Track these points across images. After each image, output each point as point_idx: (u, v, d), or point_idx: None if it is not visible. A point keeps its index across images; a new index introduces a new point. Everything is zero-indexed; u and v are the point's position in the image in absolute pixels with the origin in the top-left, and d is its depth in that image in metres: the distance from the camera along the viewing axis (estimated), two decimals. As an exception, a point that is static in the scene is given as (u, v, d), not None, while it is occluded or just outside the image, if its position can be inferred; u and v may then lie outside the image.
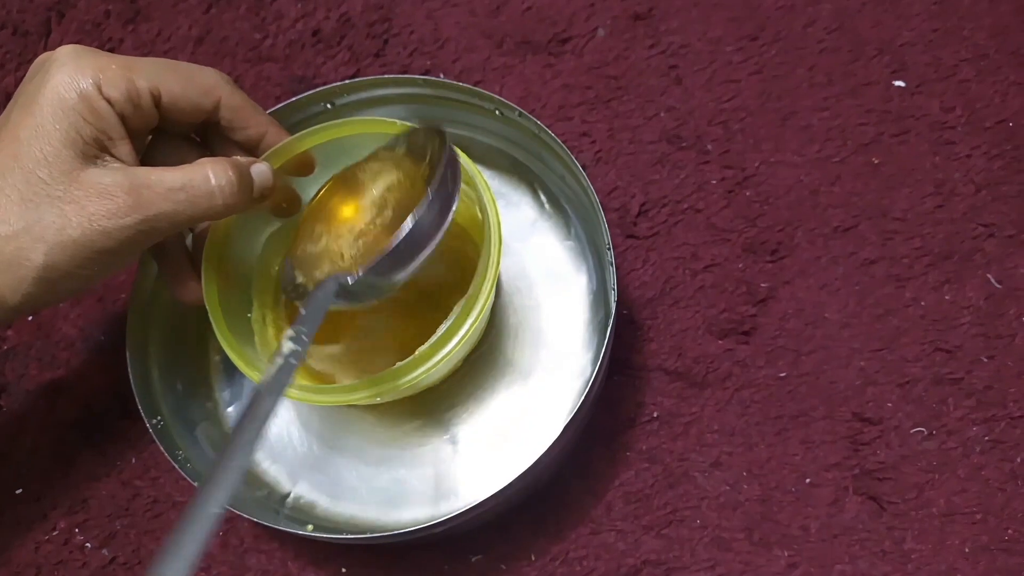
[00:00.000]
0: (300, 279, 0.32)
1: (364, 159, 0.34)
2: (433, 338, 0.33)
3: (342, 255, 0.32)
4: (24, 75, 0.48)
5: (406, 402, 0.38)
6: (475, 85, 0.46)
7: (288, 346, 0.28)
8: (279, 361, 0.28)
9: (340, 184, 0.34)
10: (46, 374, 0.42)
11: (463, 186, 0.36)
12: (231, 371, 0.40)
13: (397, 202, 0.32)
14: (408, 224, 0.30)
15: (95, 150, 0.30)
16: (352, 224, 0.33)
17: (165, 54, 0.48)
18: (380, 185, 0.33)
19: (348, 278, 0.31)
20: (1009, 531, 0.37)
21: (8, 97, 0.48)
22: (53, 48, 0.49)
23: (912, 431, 0.39)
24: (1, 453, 0.41)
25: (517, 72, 0.46)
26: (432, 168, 0.31)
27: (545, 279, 0.40)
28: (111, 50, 0.49)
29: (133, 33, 0.49)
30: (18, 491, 0.40)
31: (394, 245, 0.30)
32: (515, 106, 0.37)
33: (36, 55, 0.49)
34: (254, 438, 0.26)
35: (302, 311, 0.30)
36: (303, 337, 0.29)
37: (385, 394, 0.33)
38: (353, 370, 0.37)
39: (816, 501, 0.38)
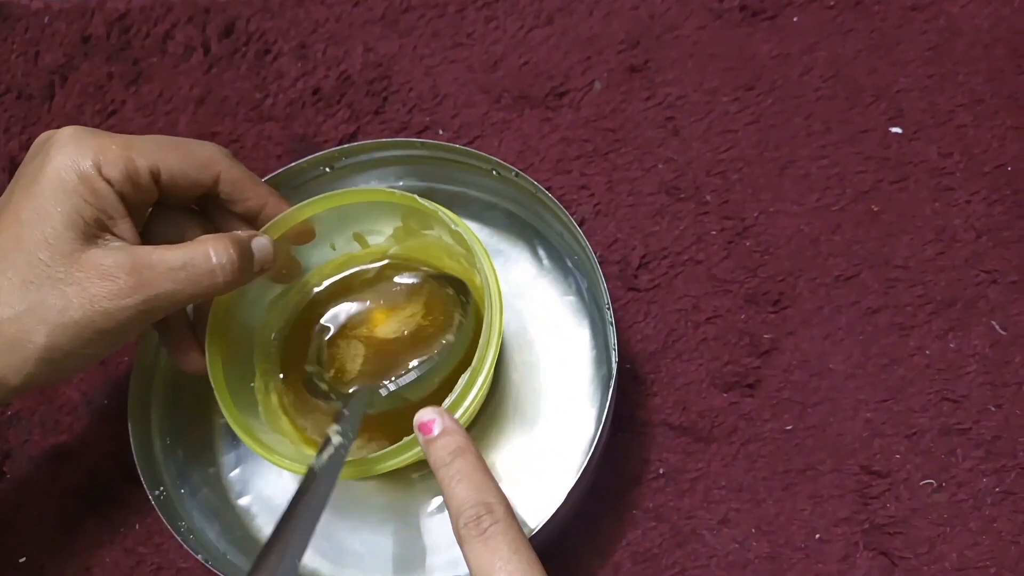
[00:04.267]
0: (324, 385, 0.36)
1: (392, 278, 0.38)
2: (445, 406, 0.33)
3: (371, 368, 0.36)
4: (28, 138, 0.50)
5: (408, 467, 0.38)
6: (474, 140, 0.47)
7: (337, 439, 0.31)
8: (330, 451, 0.30)
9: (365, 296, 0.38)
10: (49, 440, 0.42)
11: (461, 249, 0.36)
12: (234, 435, 0.40)
13: (426, 323, 0.37)
14: (436, 355, 0.35)
15: (96, 230, 0.31)
16: (381, 337, 0.37)
17: (167, 115, 0.49)
18: (412, 306, 0.37)
19: (381, 390, 0.35)
20: (1024, 585, 0.37)
21: (12, 162, 0.49)
22: (57, 111, 0.50)
23: (921, 483, 0.38)
24: (5, 521, 0.40)
25: (515, 126, 0.46)
26: (465, 296, 0.36)
27: (547, 335, 0.40)
28: (113, 112, 0.50)
29: (135, 95, 0.50)
30: (22, 560, 0.40)
31: (423, 371, 0.35)
32: (511, 167, 0.38)
33: (40, 119, 0.50)
34: (311, 527, 0.28)
35: (344, 411, 0.33)
36: (349, 434, 0.31)
37: (393, 466, 0.33)
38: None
39: (826, 557, 0.38)
